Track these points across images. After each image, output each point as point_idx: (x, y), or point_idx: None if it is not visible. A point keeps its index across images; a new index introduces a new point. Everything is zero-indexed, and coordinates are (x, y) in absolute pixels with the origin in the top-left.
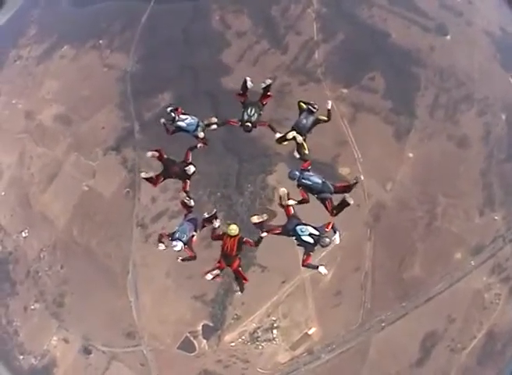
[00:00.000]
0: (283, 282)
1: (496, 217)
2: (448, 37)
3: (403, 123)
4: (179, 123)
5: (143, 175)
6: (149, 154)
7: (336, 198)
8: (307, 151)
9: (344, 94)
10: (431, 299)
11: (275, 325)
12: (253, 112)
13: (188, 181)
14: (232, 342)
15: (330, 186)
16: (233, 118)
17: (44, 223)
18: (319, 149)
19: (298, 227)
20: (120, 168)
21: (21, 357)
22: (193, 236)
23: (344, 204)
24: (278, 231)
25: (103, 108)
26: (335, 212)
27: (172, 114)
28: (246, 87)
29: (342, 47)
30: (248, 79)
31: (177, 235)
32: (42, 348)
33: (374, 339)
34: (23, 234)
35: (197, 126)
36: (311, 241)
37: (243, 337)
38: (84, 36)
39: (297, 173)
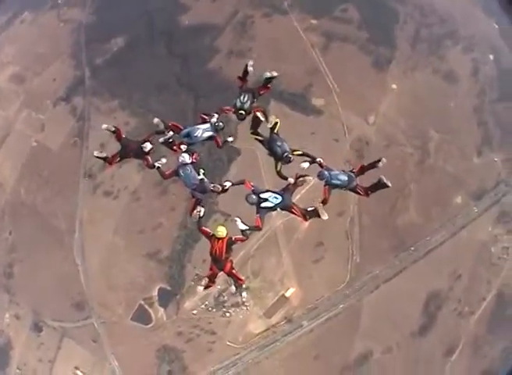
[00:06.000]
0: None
1: (495, 159)
2: None
3: (383, 53)
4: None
5: (95, 153)
6: (104, 126)
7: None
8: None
9: (314, 25)
10: (431, 251)
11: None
12: (246, 99)
13: (148, 157)
14: (194, 309)
15: (352, 175)
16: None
17: None
18: (288, 78)
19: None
20: (69, 117)
21: None
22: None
23: (380, 185)
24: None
25: (56, 61)
26: (369, 192)
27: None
28: (246, 71)
29: None
30: (250, 63)
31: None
32: None
33: (366, 301)
34: None
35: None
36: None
37: (207, 303)
38: None
39: (327, 173)
